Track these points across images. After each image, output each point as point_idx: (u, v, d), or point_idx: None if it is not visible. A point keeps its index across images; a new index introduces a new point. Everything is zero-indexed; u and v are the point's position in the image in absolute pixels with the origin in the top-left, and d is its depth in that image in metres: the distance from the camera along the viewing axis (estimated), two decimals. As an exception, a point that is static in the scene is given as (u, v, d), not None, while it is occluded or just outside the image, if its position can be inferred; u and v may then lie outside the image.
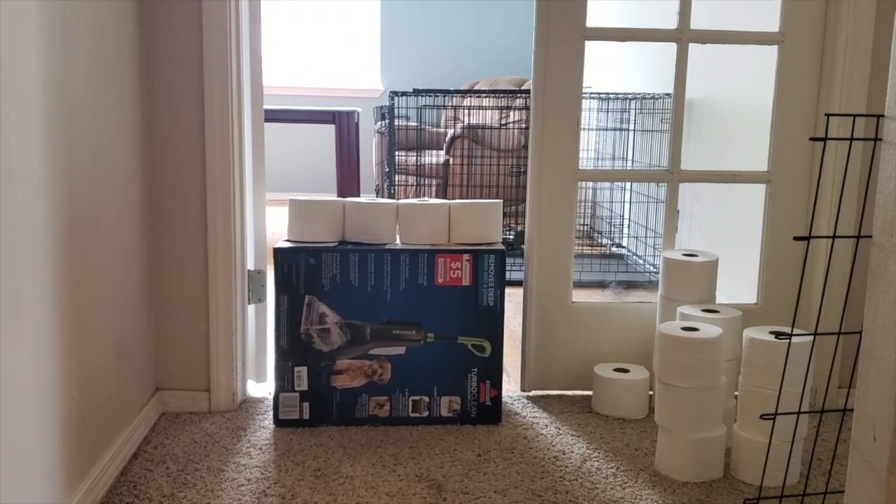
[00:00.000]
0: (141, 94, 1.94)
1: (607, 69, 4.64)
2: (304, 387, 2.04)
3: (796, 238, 1.17)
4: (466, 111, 4.95)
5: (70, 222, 1.50)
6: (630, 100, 4.17)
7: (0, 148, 1.24)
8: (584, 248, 4.40)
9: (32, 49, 1.35)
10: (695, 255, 2.14)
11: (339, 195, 4.04)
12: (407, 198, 4.43)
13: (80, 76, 1.56)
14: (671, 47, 2.21)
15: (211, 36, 2.00)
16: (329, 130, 6.12)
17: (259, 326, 2.28)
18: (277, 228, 4.72)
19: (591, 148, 4.62)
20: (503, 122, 4.59)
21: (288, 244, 2.04)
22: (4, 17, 1.26)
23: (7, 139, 1.27)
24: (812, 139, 1.11)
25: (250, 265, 2.21)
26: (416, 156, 4.41)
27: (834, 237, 1.24)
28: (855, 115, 1.10)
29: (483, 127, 4.38)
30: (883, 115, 1.03)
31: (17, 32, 1.30)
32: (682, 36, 2.18)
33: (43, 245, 1.39)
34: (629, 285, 3.64)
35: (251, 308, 2.24)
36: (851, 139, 1.10)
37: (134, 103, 1.90)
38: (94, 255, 1.64)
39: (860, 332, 1.17)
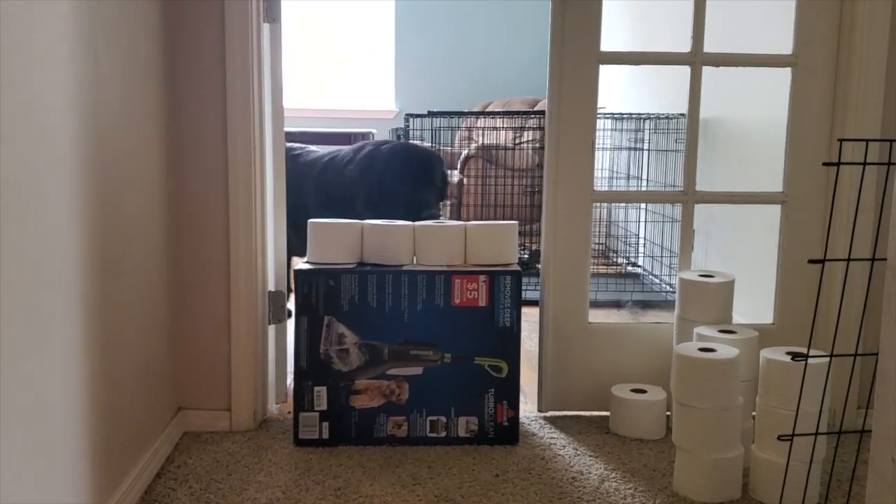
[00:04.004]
0: (167, 120, 1.99)
1: (621, 89, 4.67)
2: (324, 406, 2.06)
3: (811, 261, 1.19)
4: (480, 131, 4.99)
5: (101, 247, 1.54)
6: (644, 119, 4.20)
7: (37, 174, 1.28)
8: (600, 266, 4.41)
9: (67, 79, 1.40)
10: (711, 276, 2.16)
11: (356, 215, 4.07)
12: (422, 218, 4.45)
13: (110, 105, 1.60)
14: (685, 68, 2.23)
15: (234, 64, 2.04)
16: (345, 151, 6.16)
17: (279, 347, 2.31)
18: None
19: (606, 167, 4.64)
20: (517, 141, 4.63)
21: (308, 266, 2.07)
22: (41, 49, 1.30)
23: (43, 166, 1.31)
24: (825, 164, 1.13)
25: (271, 286, 2.24)
26: (432, 176, 4.43)
27: (849, 260, 1.25)
28: (868, 140, 1.12)
29: (497, 147, 4.41)
30: (895, 140, 1.05)
31: (53, 64, 1.35)
32: (696, 59, 2.21)
33: (75, 268, 1.43)
34: (645, 305, 3.65)
35: (271, 329, 2.27)
36: (864, 164, 1.12)
37: (160, 129, 1.94)
38: (122, 278, 1.68)
39: (877, 354, 1.18)
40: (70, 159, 1.42)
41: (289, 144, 3.24)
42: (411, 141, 4.10)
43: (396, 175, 2.96)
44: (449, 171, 3.55)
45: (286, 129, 2.28)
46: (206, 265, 2.11)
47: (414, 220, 2.56)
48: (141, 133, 1.82)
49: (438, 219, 2.75)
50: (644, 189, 4.23)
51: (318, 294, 2.03)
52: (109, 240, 1.60)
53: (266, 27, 2.15)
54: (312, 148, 3.26)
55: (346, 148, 3.17)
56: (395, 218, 2.30)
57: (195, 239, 2.10)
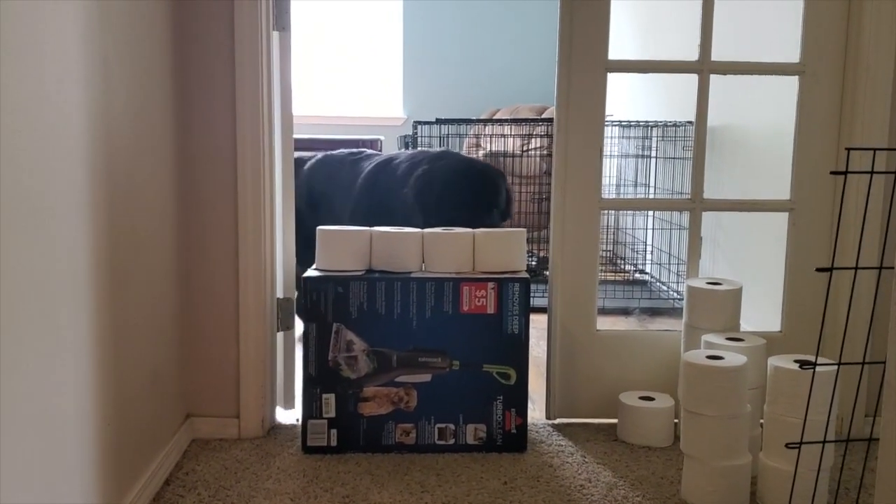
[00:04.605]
0: (176, 128, 2.00)
1: (629, 96, 4.68)
2: (332, 414, 2.07)
3: (819, 270, 1.19)
4: (488, 138, 5.00)
5: (110, 254, 1.56)
6: (651, 127, 4.20)
7: (46, 181, 1.30)
8: (608, 274, 4.41)
9: (77, 86, 1.41)
10: (719, 284, 2.16)
11: (364, 222, 4.07)
12: (430, 225, 4.45)
13: (120, 111, 1.62)
14: (693, 75, 2.24)
15: (244, 72, 2.06)
16: (353, 158, 6.18)
17: (287, 354, 2.32)
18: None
19: (613, 174, 4.64)
20: (525, 149, 4.64)
21: (316, 273, 2.08)
22: (52, 56, 1.32)
23: (52, 173, 1.32)
24: (833, 173, 1.13)
25: (279, 293, 2.26)
26: (439, 183, 4.43)
27: (856, 268, 1.26)
28: (875, 149, 1.12)
29: (505, 154, 4.42)
30: (903, 150, 1.06)
31: (64, 71, 1.36)
32: (703, 67, 2.21)
33: (85, 276, 1.44)
34: (653, 312, 3.64)
35: (280, 336, 2.27)
36: (872, 172, 1.12)
37: (169, 136, 1.96)
38: (131, 285, 1.69)
39: (884, 363, 1.19)
40: (80, 167, 1.43)
41: (347, 150, 3.23)
42: (470, 156, 4.00)
43: (455, 199, 2.63)
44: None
45: (297, 136, 2.31)
46: (214, 272, 2.12)
47: None
48: (150, 140, 1.83)
49: None
50: (652, 196, 4.23)
51: (327, 301, 2.04)
52: (119, 247, 1.62)
53: (275, 35, 2.17)
54: (369, 152, 3.07)
55: (399, 157, 2.92)
56: None
57: (204, 245, 2.11)
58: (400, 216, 2.70)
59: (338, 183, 2.99)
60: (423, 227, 2.63)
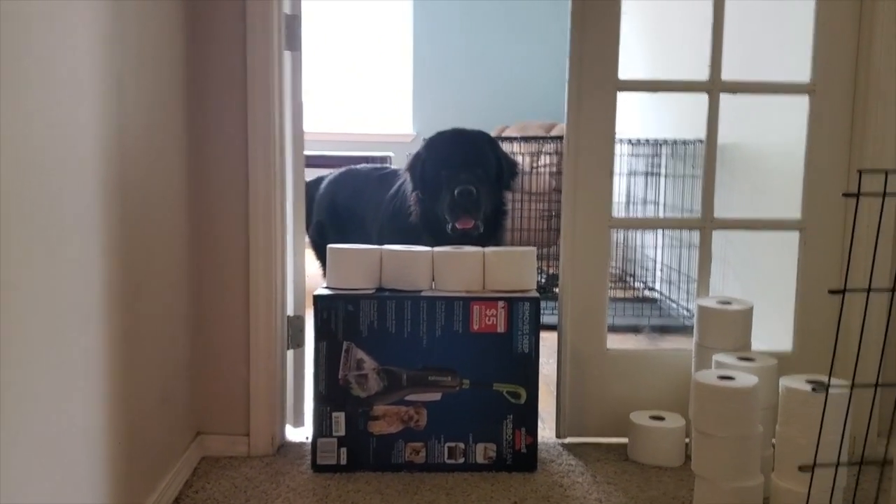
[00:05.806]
0: (189, 146, 2.02)
1: (638, 114, 4.68)
2: (342, 432, 2.06)
3: (832, 291, 1.19)
4: (498, 155, 5.00)
5: (122, 271, 1.56)
6: (661, 145, 4.20)
7: (61, 200, 1.31)
8: (617, 291, 4.39)
9: (92, 107, 1.43)
10: (729, 303, 2.15)
11: (373, 239, 4.08)
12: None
13: (133, 130, 1.63)
14: (702, 94, 2.24)
15: (255, 92, 2.07)
16: (362, 174, 6.20)
17: (297, 371, 2.32)
18: (310, 271, 4.77)
19: (623, 191, 4.64)
20: (534, 165, 4.65)
21: (327, 291, 2.09)
22: (68, 77, 1.33)
23: (68, 192, 1.33)
24: (845, 195, 1.13)
25: (290, 311, 2.26)
26: (449, 200, 4.44)
27: (868, 290, 1.25)
28: (888, 171, 1.12)
29: (514, 171, 4.42)
30: (915, 173, 1.05)
31: (79, 92, 1.38)
32: (714, 87, 2.22)
33: (96, 293, 1.45)
34: (663, 329, 3.63)
35: (290, 353, 2.28)
36: (884, 194, 1.12)
37: (182, 155, 1.97)
38: (143, 302, 1.70)
39: (898, 386, 1.18)
40: (93, 185, 1.44)
41: (370, 165, 3.25)
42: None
43: (433, 158, 2.68)
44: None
45: (307, 152, 2.32)
46: (225, 289, 2.13)
47: (449, 200, 2.53)
48: (162, 158, 1.85)
49: (472, 194, 2.51)
50: (662, 214, 4.22)
51: (338, 319, 2.04)
52: (131, 264, 1.63)
53: (287, 55, 2.18)
54: (393, 168, 3.09)
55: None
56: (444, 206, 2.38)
57: (215, 263, 2.12)
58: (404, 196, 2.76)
59: (366, 198, 3.02)
60: (416, 200, 2.66)
